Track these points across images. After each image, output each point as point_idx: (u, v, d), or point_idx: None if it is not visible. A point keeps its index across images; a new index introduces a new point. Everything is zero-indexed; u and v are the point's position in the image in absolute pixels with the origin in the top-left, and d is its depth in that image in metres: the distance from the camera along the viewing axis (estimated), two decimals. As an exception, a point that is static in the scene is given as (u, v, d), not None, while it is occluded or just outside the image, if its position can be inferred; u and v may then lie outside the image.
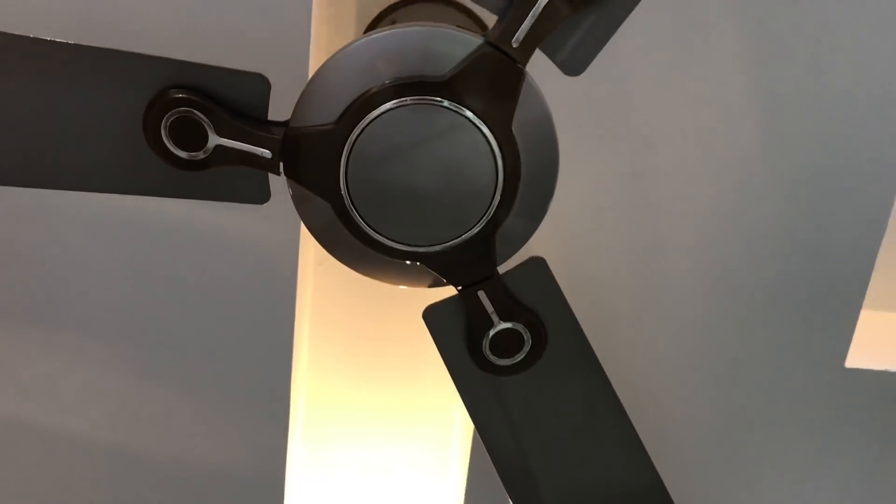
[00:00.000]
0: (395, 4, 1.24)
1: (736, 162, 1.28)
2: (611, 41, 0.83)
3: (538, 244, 0.95)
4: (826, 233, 1.31)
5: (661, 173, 1.29)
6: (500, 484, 1.10)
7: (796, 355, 1.38)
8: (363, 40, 0.81)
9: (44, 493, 1.41)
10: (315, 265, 1.41)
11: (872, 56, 1.23)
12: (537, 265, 0.91)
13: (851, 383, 1.41)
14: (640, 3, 0.82)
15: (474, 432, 1.38)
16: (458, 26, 0.86)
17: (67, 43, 0.84)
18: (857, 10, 1.21)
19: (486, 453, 1.12)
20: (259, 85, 0.82)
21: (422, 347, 1.44)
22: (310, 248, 1.37)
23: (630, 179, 1.28)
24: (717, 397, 1.42)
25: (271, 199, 1.15)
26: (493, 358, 0.95)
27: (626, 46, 1.07)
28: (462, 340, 0.95)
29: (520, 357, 0.95)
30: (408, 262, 0.87)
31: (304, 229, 1.27)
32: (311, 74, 0.96)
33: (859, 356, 1.40)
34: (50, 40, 0.84)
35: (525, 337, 0.93)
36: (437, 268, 0.88)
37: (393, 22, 1.09)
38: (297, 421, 1.40)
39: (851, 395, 1.43)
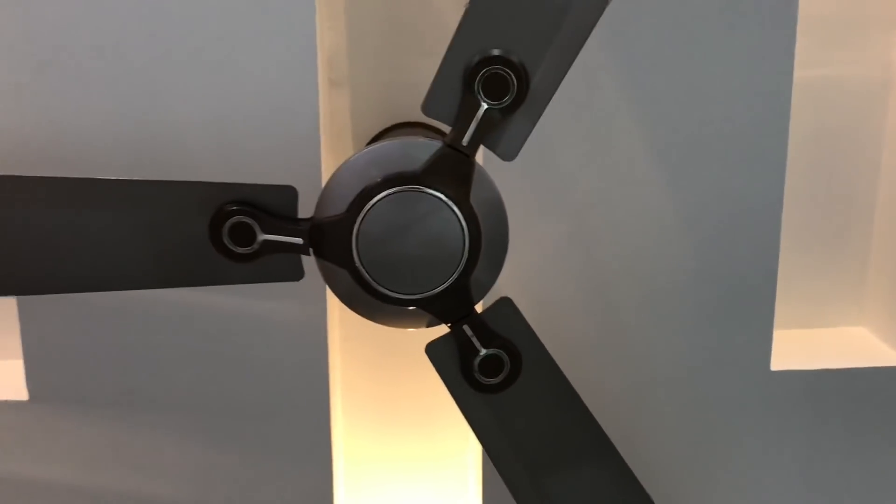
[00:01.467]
0: (382, 131, 1.54)
1: (650, 206, 1.43)
2: (536, 131, 1.03)
3: (504, 288, 1.14)
4: (732, 259, 1.46)
5: (590, 219, 1.44)
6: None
7: (730, 363, 1.51)
8: (359, 154, 1.05)
9: None
10: (341, 341, 1.63)
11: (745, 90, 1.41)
12: (505, 302, 1.11)
13: (778, 384, 1.52)
14: (552, 102, 1.03)
15: (484, 465, 1.53)
16: (426, 136, 1.13)
17: (145, 180, 1.06)
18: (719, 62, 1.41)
19: (496, 476, 1.23)
20: (290, 193, 1.05)
21: (435, 401, 1.65)
22: (336, 328, 1.58)
23: (566, 235, 1.43)
24: (666, 402, 1.52)
25: (300, 293, 1.39)
26: (482, 379, 1.13)
27: (546, 134, 1.26)
28: (458, 368, 1.13)
29: (503, 375, 1.13)
30: (409, 308, 1.08)
31: (330, 311, 1.47)
32: (323, 181, 1.23)
33: (781, 362, 1.52)
34: (131, 180, 1.05)
35: (504, 359, 1.12)
36: (430, 310, 1.08)
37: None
38: (339, 469, 1.57)
39: (780, 395, 1.53)
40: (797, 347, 1.60)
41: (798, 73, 1.44)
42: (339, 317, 1.58)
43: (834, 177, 1.64)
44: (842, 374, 1.54)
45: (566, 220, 1.43)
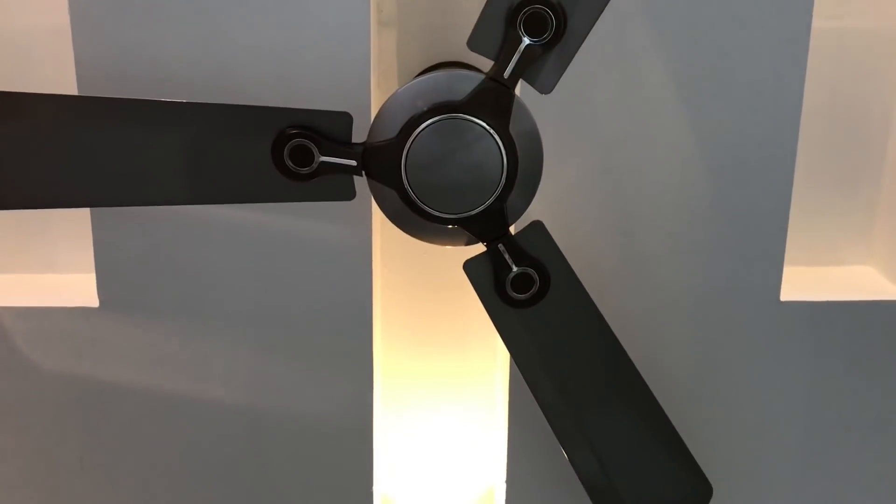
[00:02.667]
0: (426, 69, 1.59)
1: (674, 143, 1.48)
2: (571, 68, 1.10)
3: (536, 213, 1.21)
4: (747, 195, 1.50)
5: (618, 155, 1.48)
6: (538, 419, 1.30)
7: (742, 292, 1.55)
8: (409, 84, 1.13)
9: (190, 447, 1.60)
10: (381, 266, 1.70)
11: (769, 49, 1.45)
12: (537, 225, 1.19)
13: (787, 313, 1.57)
14: (586, 41, 1.09)
15: (511, 384, 1.58)
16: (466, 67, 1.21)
17: (216, 104, 1.11)
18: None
19: (523, 394, 1.35)
20: (345, 119, 1.13)
21: (467, 323, 1.73)
22: (378, 253, 1.64)
23: (596, 168, 1.49)
24: (680, 325, 1.57)
25: (348, 217, 1.48)
26: (514, 294, 1.20)
27: (580, 72, 1.30)
28: (491, 283, 1.20)
29: (532, 292, 1.20)
30: (450, 227, 1.15)
31: (374, 235, 1.53)
32: (372, 114, 1.29)
33: (790, 294, 1.57)
34: (204, 103, 1.11)
35: (534, 277, 1.19)
36: (469, 229, 1.16)
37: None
38: (377, 380, 1.64)
39: (787, 324, 1.58)
40: (806, 282, 1.65)
41: (817, 24, 1.47)
42: (380, 243, 1.65)
43: (848, 123, 1.67)
44: (847, 306, 1.58)
45: (596, 153, 1.48)
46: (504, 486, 1.65)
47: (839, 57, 1.63)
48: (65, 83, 1.48)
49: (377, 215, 1.50)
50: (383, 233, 1.64)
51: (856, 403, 1.65)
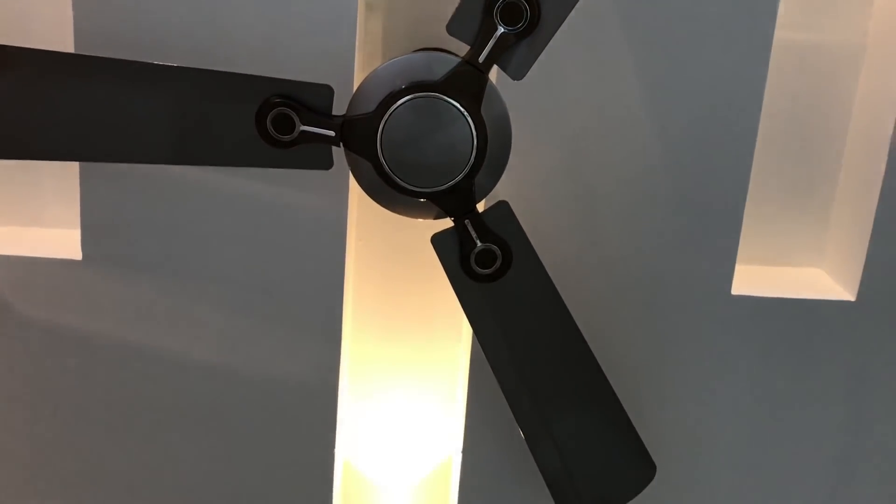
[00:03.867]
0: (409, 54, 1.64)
1: (636, 139, 1.50)
2: (544, 61, 1.16)
3: (503, 195, 1.25)
4: (705, 193, 1.55)
5: (584, 146, 1.52)
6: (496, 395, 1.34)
7: (695, 283, 1.60)
8: (388, 62, 1.17)
9: (160, 399, 1.62)
10: (356, 240, 1.73)
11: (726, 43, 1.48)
12: (502, 205, 1.24)
13: (737, 307, 1.62)
14: (559, 36, 1.14)
15: (473, 354, 1.61)
16: (445, 52, 1.23)
17: (206, 69, 1.15)
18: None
19: (484, 368, 1.36)
20: (327, 91, 1.17)
21: (434, 299, 1.77)
22: (353, 227, 1.65)
23: (562, 155, 1.52)
24: (634, 312, 1.61)
25: (326, 187, 1.50)
26: (478, 269, 1.25)
27: (551, 63, 1.31)
28: (457, 258, 1.25)
29: (495, 267, 1.25)
30: (421, 200, 1.20)
31: (350, 209, 1.55)
32: (355, 85, 1.32)
33: (741, 288, 1.61)
34: (196, 68, 1.15)
35: (497, 253, 1.24)
36: (438, 203, 1.20)
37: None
38: (346, 346, 1.66)
39: (738, 316, 1.62)
40: (758, 279, 1.69)
41: (780, 35, 1.52)
42: (356, 218, 1.69)
43: (807, 132, 1.71)
44: (795, 302, 1.64)
45: (563, 143, 1.52)
46: (461, 455, 1.69)
47: (801, 67, 1.67)
48: (63, 40, 1.49)
49: (354, 190, 1.53)
50: (360, 207, 1.67)
51: (799, 394, 1.70)
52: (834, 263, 1.76)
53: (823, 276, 1.77)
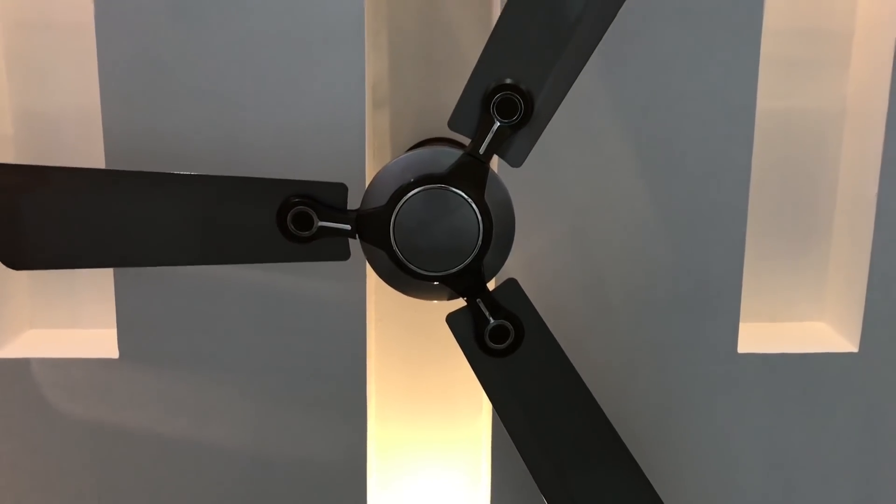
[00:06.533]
0: (415, 145, 1.65)
1: (634, 210, 1.56)
2: (541, 143, 1.20)
3: (511, 272, 1.31)
4: (703, 258, 1.59)
5: (584, 220, 1.57)
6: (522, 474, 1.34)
7: (702, 345, 1.62)
8: (397, 159, 1.22)
9: (196, 489, 1.64)
10: (376, 321, 1.77)
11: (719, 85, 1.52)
12: (511, 282, 1.26)
13: (744, 365, 1.63)
14: (554, 119, 1.19)
15: (494, 423, 1.63)
16: (450, 146, 1.27)
17: (228, 176, 1.20)
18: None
19: (506, 435, 1.34)
20: (341, 189, 1.22)
21: (453, 373, 1.81)
22: (372, 309, 1.70)
23: (566, 231, 1.57)
24: (645, 376, 1.63)
25: (345, 275, 1.54)
26: (492, 345, 1.26)
27: (549, 146, 1.39)
28: (472, 334, 1.27)
29: (508, 342, 1.27)
30: (434, 283, 1.23)
31: (369, 293, 1.60)
32: (367, 177, 1.36)
33: (747, 346, 1.63)
34: (219, 176, 1.20)
35: (510, 328, 1.26)
36: (451, 285, 1.24)
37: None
38: (371, 427, 1.69)
39: (745, 374, 1.64)
40: (763, 336, 1.71)
41: (763, 104, 1.57)
42: (374, 300, 1.73)
43: (797, 192, 1.75)
44: (801, 357, 1.66)
45: (564, 218, 1.57)
46: (488, 527, 1.69)
47: (786, 132, 1.72)
48: (93, 155, 1.59)
49: (371, 276, 1.57)
50: (377, 291, 1.71)
51: (811, 446, 1.71)
52: (834, 316, 1.77)
53: (826, 329, 1.79)
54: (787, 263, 1.78)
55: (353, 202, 1.23)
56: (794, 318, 1.81)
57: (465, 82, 1.15)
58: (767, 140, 1.67)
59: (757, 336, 1.70)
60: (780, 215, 1.76)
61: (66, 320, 1.76)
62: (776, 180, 1.74)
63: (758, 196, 1.64)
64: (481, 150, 1.20)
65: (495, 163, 1.25)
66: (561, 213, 1.57)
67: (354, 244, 1.25)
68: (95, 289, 1.74)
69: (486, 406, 1.70)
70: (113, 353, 1.61)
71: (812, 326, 1.80)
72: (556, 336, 1.32)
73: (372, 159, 1.59)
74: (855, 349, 1.68)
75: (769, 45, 1.56)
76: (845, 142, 1.72)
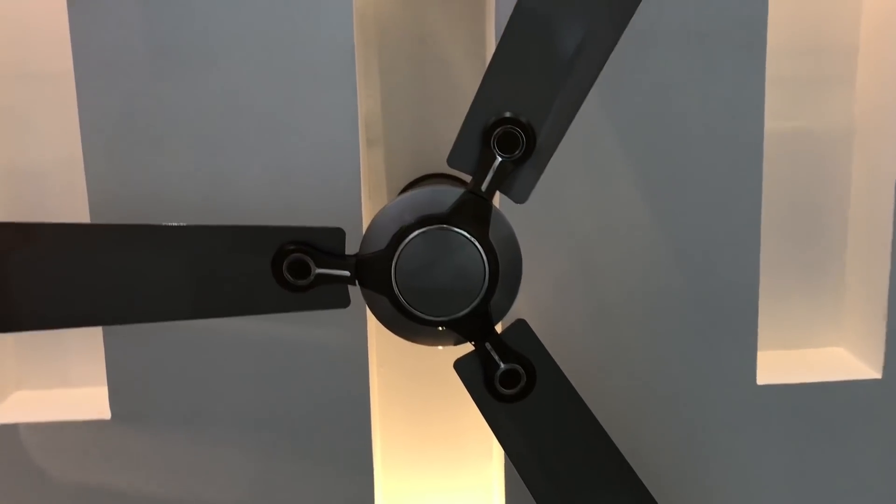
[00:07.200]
0: (412, 181, 1.66)
1: (644, 240, 1.54)
2: (545, 175, 1.16)
3: (520, 311, 1.27)
4: (717, 287, 1.56)
5: (592, 254, 1.54)
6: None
7: (720, 378, 1.59)
8: (396, 200, 1.18)
9: None
10: (378, 366, 1.75)
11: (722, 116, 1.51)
12: (521, 324, 1.22)
13: (764, 397, 1.61)
14: (558, 151, 1.15)
15: (507, 474, 1.59)
16: (450, 184, 1.26)
17: (219, 226, 1.16)
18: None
19: (519, 486, 1.33)
20: (339, 234, 1.17)
21: (460, 416, 1.76)
22: (373, 353, 1.67)
23: (573, 266, 1.54)
24: (663, 413, 1.60)
25: (344, 322, 1.51)
26: (503, 390, 1.22)
27: (553, 180, 1.36)
28: (481, 380, 1.22)
29: (520, 387, 1.23)
30: (439, 328, 1.18)
31: (369, 337, 1.56)
32: (364, 224, 1.34)
33: (766, 377, 1.60)
34: (209, 226, 1.16)
35: (521, 372, 1.22)
36: (457, 330, 1.19)
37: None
38: (378, 477, 1.64)
39: (766, 407, 1.62)
40: (781, 365, 1.68)
41: (771, 125, 1.55)
42: (376, 345, 1.69)
43: (809, 214, 1.73)
44: (823, 386, 1.62)
45: (572, 253, 1.54)
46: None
47: (794, 154, 1.70)
48: (78, 213, 1.56)
49: (372, 319, 1.53)
50: (378, 335, 1.68)
51: (835, 477, 1.67)
52: (854, 341, 1.74)
53: (845, 355, 1.75)
54: (801, 287, 1.76)
55: (351, 247, 1.19)
56: (812, 345, 1.78)
57: (460, 117, 1.13)
58: (775, 162, 1.65)
59: (775, 365, 1.67)
60: (792, 238, 1.74)
61: (54, 379, 1.72)
62: (785, 202, 1.72)
63: (767, 219, 1.61)
64: (483, 188, 1.16)
65: (496, 198, 1.21)
66: (567, 247, 1.54)
67: (354, 290, 1.21)
68: (84, 345, 1.70)
69: (498, 452, 1.66)
70: (104, 413, 1.57)
71: (831, 352, 1.77)
72: (567, 376, 1.28)
73: (368, 200, 1.57)
74: (878, 375, 1.64)
75: (771, 65, 1.52)
76: (855, 160, 1.70)
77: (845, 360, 1.73)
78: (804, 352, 1.76)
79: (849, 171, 1.71)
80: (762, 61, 1.49)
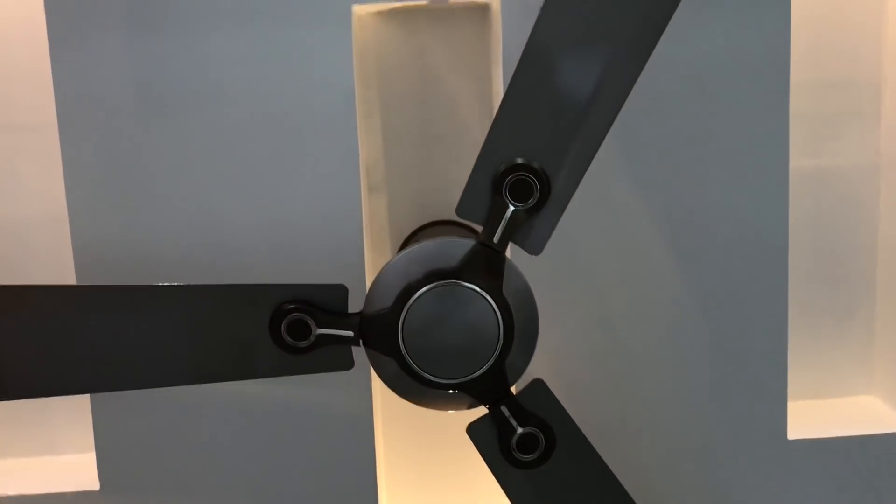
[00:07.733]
0: (417, 229, 1.61)
1: (665, 288, 1.49)
2: (558, 226, 1.10)
3: (536, 370, 1.18)
4: (743, 337, 1.51)
5: (611, 302, 1.49)
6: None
7: (749, 434, 1.53)
8: (402, 253, 1.11)
9: None
10: (384, 426, 1.68)
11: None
12: (538, 384, 1.16)
13: (796, 452, 1.55)
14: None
15: None
16: (459, 235, 1.17)
17: (210, 285, 1.12)
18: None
19: None
20: (341, 291, 1.12)
21: (473, 479, 1.69)
22: (379, 414, 1.61)
23: (592, 319, 1.49)
24: (692, 473, 1.54)
25: (347, 383, 1.43)
26: (520, 456, 1.16)
27: (568, 228, 1.27)
28: (497, 446, 1.16)
29: (539, 452, 1.16)
30: (451, 392, 1.12)
31: (374, 398, 1.51)
32: (367, 276, 1.28)
33: (798, 431, 1.54)
34: (199, 286, 1.11)
35: (539, 437, 1.15)
36: (470, 393, 1.12)
37: (417, 240, 1.41)
38: None
39: (798, 462, 1.55)
40: (812, 417, 1.63)
41: (795, 163, 1.50)
42: (381, 406, 1.63)
43: (836, 257, 1.69)
44: (856, 440, 1.56)
45: (590, 306, 1.48)
46: None
47: (819, 193, 1.66)
48: (63, 269, 1.50)
49: (376, 380, 1.46)
50: (384, 396, 1.61)
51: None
52: (885, 388, 1.69)
53: (878, 404, 1.71)
54: (829, 334, 1.72)
55: (354, 303, 1.13)
56: (841, 392, 1.73)
57: (468, 160, 1.07)
58: (800, 201, 1.61)
59: (805, 418, 1.61)
60: (818, 282, 1.70)
61: (40, 447, 1.66)
62: (810, 244, 1.68)
63: (793, 264, 1.55)
64: (495, 239, 1.10)
65: (509, 249, 1.15)
66: (585, 298, 1.49)
67: (358, 350, 1.15)
68: (71, 410, 1.65)
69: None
70: (93, 483, 1.51)
71: (862, 401, 1.72)
72: (589, 438, 1.21)
73: (370, 250, 1.51)
74: (913, 425, 1.58)
75: (795, 101, 1.47)
76: (883, 198, 1.66)
77: (877, 410, 1.68)
78: (834, 401, 1.71)
79: (876, 210, 1.67)
80: (786, 97, 1.45)
